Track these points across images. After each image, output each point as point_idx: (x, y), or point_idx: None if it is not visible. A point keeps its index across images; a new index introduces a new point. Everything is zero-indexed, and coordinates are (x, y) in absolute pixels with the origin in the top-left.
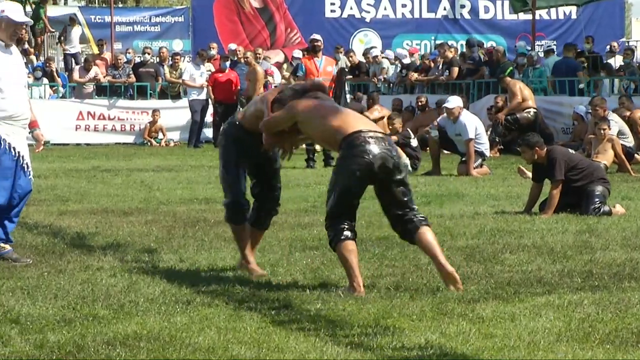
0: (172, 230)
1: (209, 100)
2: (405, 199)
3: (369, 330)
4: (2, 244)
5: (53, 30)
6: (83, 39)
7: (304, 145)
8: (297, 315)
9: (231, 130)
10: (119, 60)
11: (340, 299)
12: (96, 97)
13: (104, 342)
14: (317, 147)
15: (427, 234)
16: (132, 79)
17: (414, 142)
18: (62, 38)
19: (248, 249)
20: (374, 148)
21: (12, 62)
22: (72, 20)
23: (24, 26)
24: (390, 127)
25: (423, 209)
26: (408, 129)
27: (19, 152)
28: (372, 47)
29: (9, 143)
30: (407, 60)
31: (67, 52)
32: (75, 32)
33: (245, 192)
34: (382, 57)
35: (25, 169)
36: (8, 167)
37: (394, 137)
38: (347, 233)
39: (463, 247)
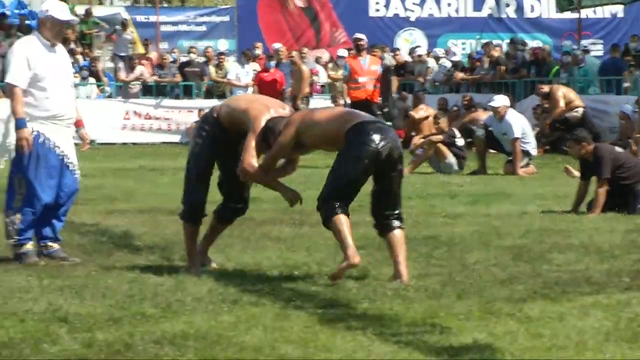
0: None
1: None
2: (399, 190)
3: (416, 330)
4: (50, 243)
5: (98, 30)
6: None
7: None
8: (344, 314)
9: (208, 127)
10: (164, 60)
11: (387, 298)
12: (142, 96)
13: (151, 340)
14: None
15: (398, 236)
16: (178, 78)
17: (460, 142)
18: (109, 38)
19: (205, 243)
20: (381, 137)
21: (57, 61)
22: (124, 25)
23: (70, 25)
24: (436, 126)
25: (469, 208)
26: (454, 128)
27: (62, 151)
28: (417, 46)
29: (53, 142)
30: (456, 58)
31: (117, 54)
32: (126, 36)
33: (207, 195)
34: (430, 56)
35: (71, 168)
36: (54, 166)
37: (440, 137)
38: (340, 210)
39: (510, 247)
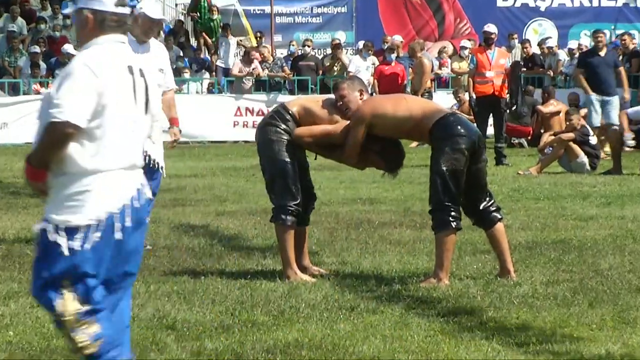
0: (334, 232)
1: (374, 95)
2: (486, 181)
3: (545, 340)
4: None
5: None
6: (242, 31)
7: None
8: (468, 323)
9: (284, 124)
10: (272, 55)
11: (513, 306)
12: (255, 92)
13: (263, 349)
14: None
15: (501, 229)
16: (286, 72)
17: (593, 140)
18: (217, 51)
19: (299, 252)
20: (466, 128)
21: (141, 57)
22: (225, 28)
23: (159, 24)
24: (568, 122)
25: (602, 210)
26: (587, 126)
27: None
28: (547, 38)
29: None
30: None
31: (219, 65)
32: (230, 44)
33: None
34: (559, 49)
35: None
36: None
37: (571, 134)
38: (455, 223)
39: None
